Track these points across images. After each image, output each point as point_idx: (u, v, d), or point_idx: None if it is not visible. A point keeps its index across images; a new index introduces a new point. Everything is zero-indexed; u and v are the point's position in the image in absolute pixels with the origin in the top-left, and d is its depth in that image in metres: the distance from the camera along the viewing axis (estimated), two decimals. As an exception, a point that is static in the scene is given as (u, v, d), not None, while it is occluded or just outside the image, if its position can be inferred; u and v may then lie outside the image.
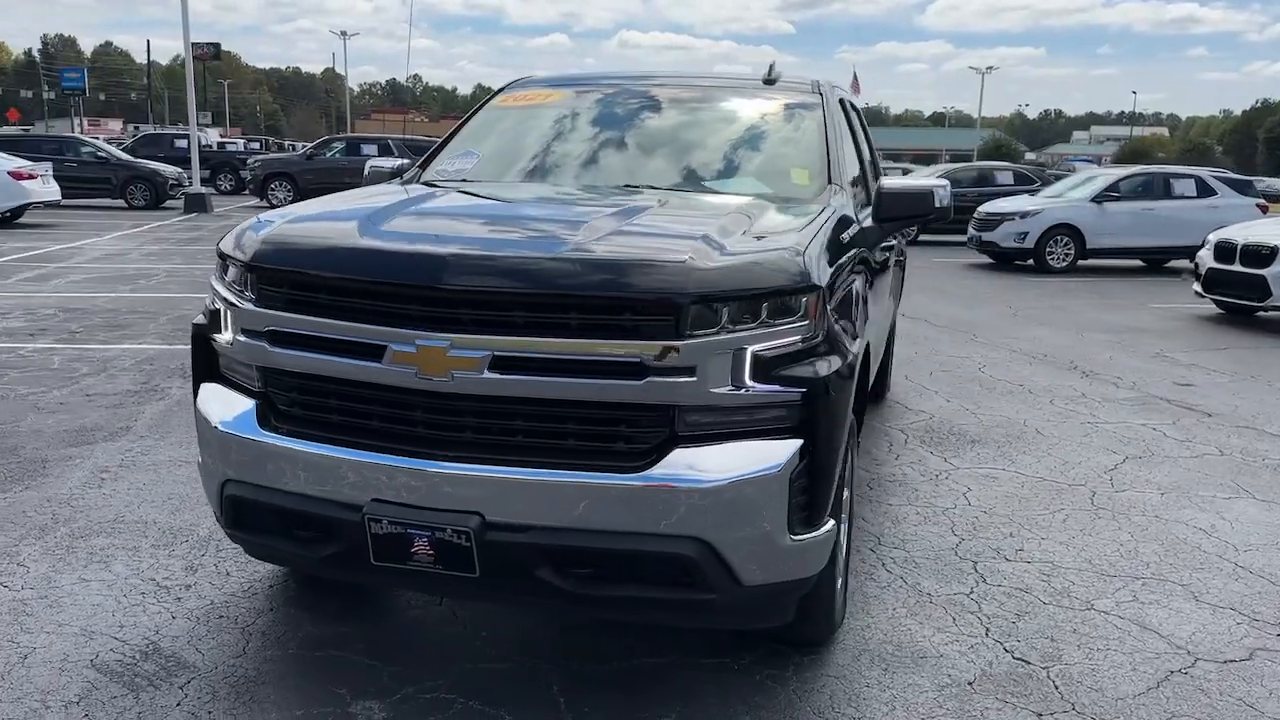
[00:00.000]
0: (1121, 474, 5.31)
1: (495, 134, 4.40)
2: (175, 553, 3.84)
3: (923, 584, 3.82)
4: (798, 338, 2.69)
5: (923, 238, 20.96)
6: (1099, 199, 15.84)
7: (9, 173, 17.16)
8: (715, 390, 2.59)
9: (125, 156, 24.04)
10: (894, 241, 5.40)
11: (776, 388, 2.64)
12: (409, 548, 2.68)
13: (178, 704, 2.81)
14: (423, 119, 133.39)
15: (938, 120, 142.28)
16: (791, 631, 3.16)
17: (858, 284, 3.34)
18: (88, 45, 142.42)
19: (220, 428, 2.93)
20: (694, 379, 2.56)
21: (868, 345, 3.61)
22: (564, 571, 2.67)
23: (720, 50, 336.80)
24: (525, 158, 4.14)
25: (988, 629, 3.47)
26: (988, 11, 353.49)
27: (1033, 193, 18.42)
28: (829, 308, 2.83)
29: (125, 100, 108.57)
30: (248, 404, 2.94)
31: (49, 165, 18.70)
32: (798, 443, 2.67)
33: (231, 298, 2.94)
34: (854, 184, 4.10)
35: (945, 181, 4.02)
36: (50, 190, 17.99)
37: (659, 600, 2.72)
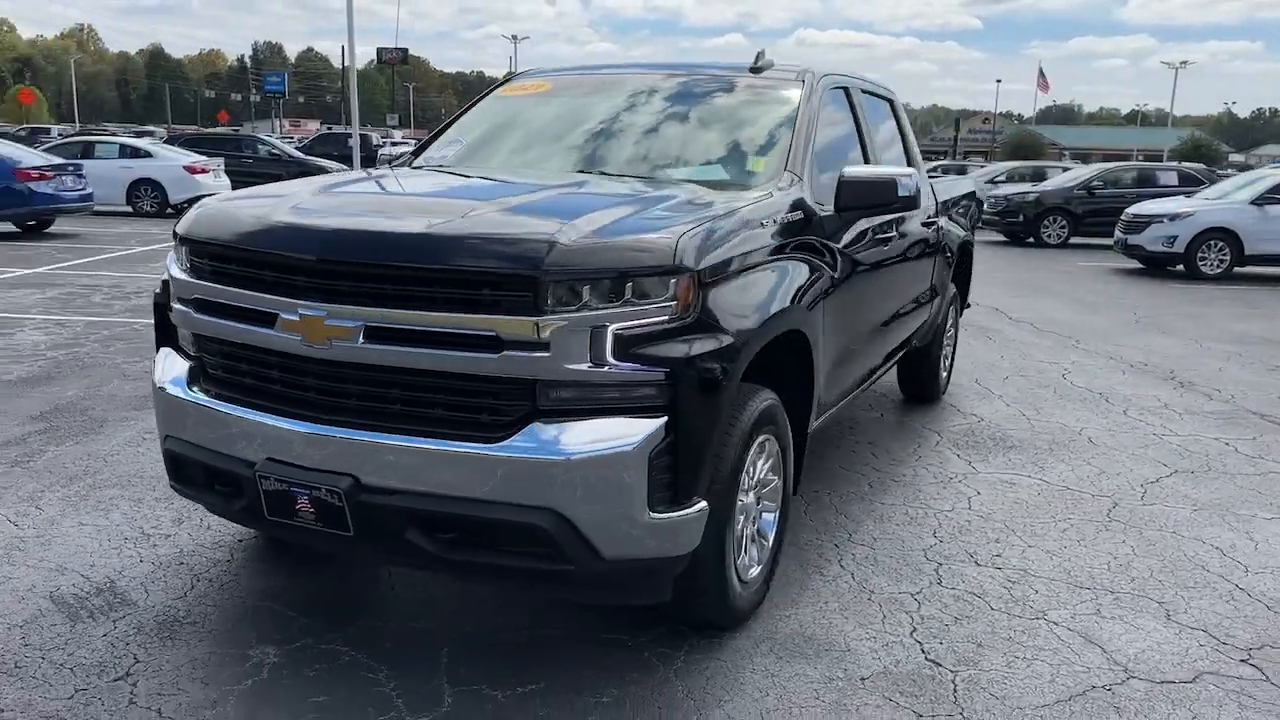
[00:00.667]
0: (1160, 488, 4.98)
1: (485, 122, 4.56)
2: (171, 507, 4.19)
3: (871, 581, 3.74)
4: (664, 319, 2.71)
5: (1074, 240, 19.89)
6: (1260, 201, 14.63)
7: (184, 167, 18.78)
8: (573, 367, 2.65)
9: (297, 154, 25.69)
10: (923, 233, 5.25)
11: (639, 367, 2.67)
12: (294, 505, 2.86)
13: (104, 634, 3.10)
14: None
15: (1131, 119, 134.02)
16: (684, 613, 3.17)
17: (778, 272, 3.28)
18: (292, 51, 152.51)
19: (160, 387, 3.21)
20: (549, 354, 2.63)
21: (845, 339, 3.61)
22: (431, 536, 2.79)
23: (902, 47, 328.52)
24: (500, 144, 4.30)
25: (914, 629, 3.36)
26: (1197, 4, 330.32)
27: (1190, 194, 17.18)
28: (710, 292, 2.84)
29: (322, 102, 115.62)
30: (184, 367, 3.21)
31: (220, 161, 20.25)
32: (660, 421, 2.69)
33: (173, 269, 3.22)
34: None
35: (911, 170, 3.90)
36: (221, 184, 19.48)
37: (521, 569, 2.80)
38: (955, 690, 2.98)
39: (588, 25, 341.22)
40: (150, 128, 64.86)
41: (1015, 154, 53.12)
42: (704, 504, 2.85)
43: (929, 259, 5.54)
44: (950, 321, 6.55)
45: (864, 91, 4.94)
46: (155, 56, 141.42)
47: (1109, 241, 16.74)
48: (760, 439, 3.24)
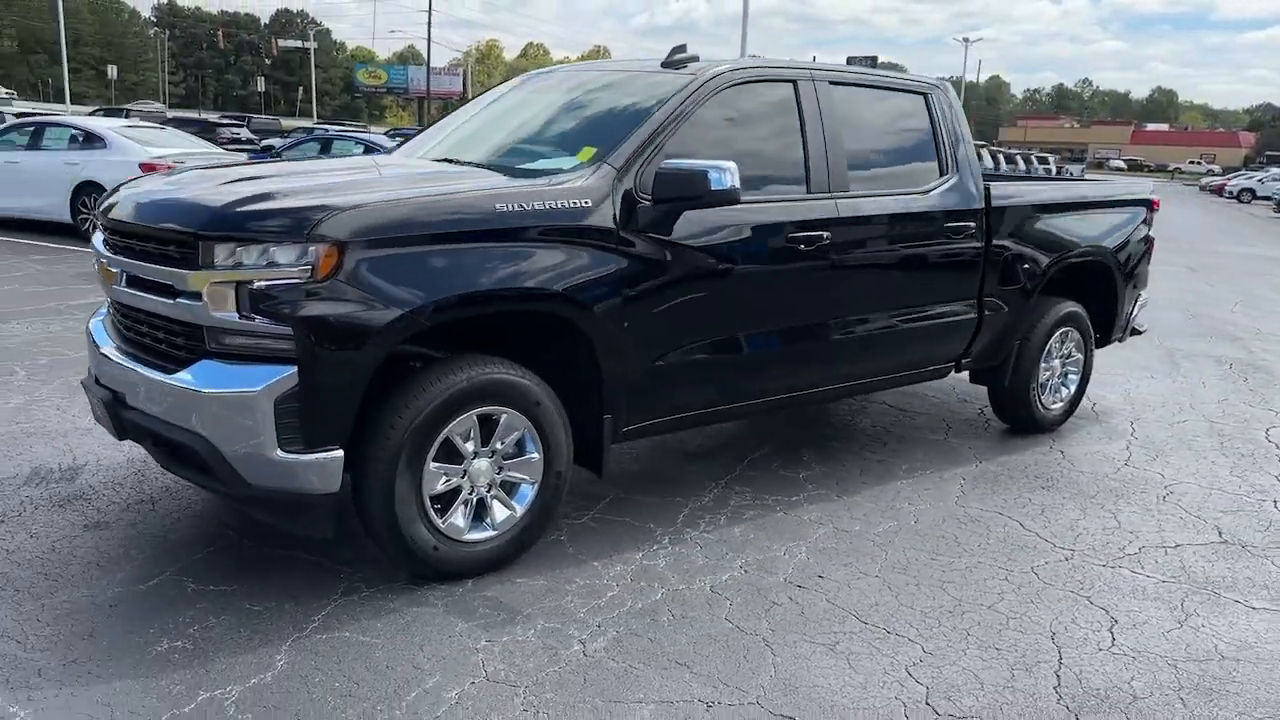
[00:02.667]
0: (1154, 557, 4.17)
1: (452, 115, 5.06)
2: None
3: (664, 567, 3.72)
4: (300, 280, 3.10)
5: None
6: None
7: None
8: (221, 315, 3.15)
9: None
10: (939, 238, 4.86)
11: (273, 321, 3.10)
12: (96, 412, 3.68)
13: (59, 506, 4.13)
14: (1073, 124, 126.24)
15: None
16: (392, 557, 3.47)
17: (508, 254, 3.44)
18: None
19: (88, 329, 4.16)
20: (203, 304, 3.16)
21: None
22: (157, 447, 3.44)
23: None
24: (435, 136, 4.79)
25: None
26: None
27: None
28: (365, 261, 3.16)
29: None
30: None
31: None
32: (289, 370, 3.10)
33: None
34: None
35: (730, 164, 3.74)
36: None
37: (208, 486, 3.35)
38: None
39: (1095, 23, 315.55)
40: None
41: None
42: (339, 452, 3.18)
43: (960, 268, 5.03)
44: (1062, 349, 5.79)
45: (846, 85, 4.68)
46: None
47: None
48: (480, 410, 3.44)
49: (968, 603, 3.62)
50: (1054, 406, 5.87)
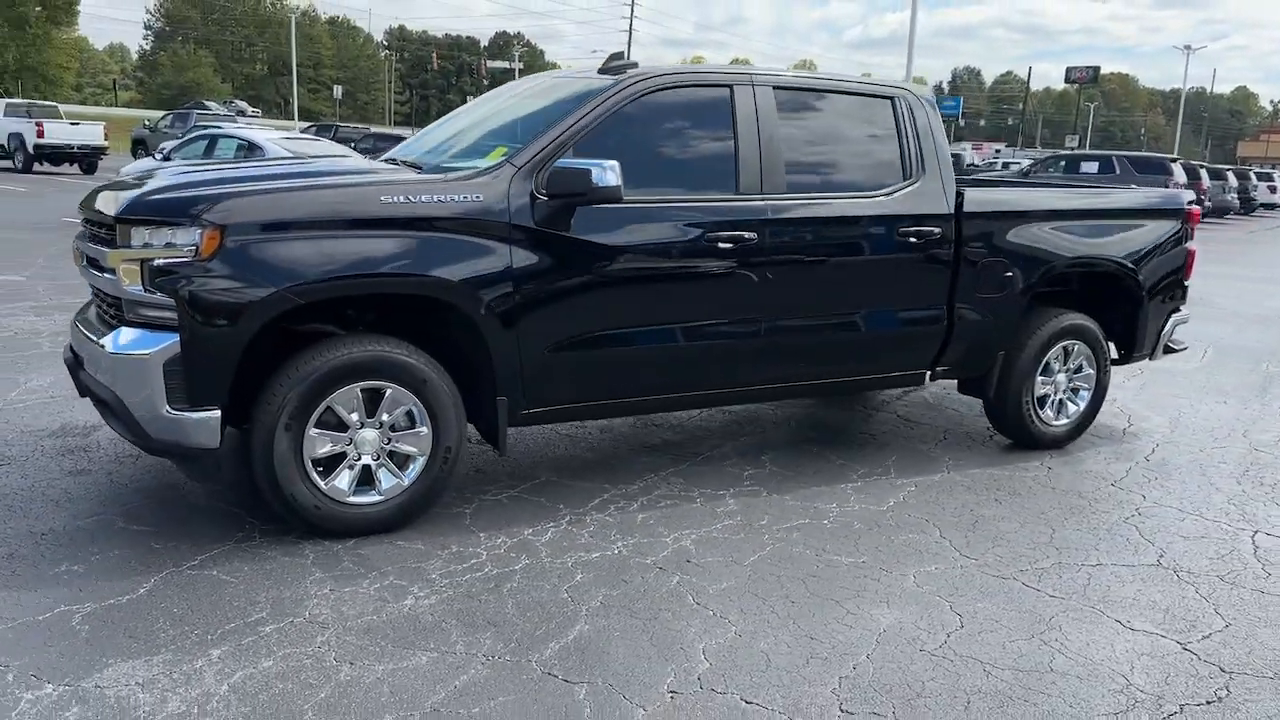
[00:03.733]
0: (1062, 573, 4.02)
1: (434, 123, 5.46)
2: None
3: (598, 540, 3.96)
4: (188, 259, 3.57)
5: None
6: None
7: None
8: (131, 289, 3.66)
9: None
10: (890, 241, 4.84)
11: (163, 295, 3.58)
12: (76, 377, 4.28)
13: (60, 455, 4.83)
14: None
15: None
16: (279, 512, 3.88)
17: (396, 240, 3.79)
18: (990, 74, 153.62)
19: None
20: (117, 278, 3.68)
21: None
22: (96, 404, 4.00)
23: None
24: (411, 142, 5.21)
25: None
26: None
27: None
28: (248, 245, 3.59)
29: (1006, 125, 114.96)
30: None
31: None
32: (174, 338, 3.57)
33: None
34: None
35: (613, 163, 3.92)
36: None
37: (126, 437, 3.87)
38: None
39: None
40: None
41: None
42: (217, 412, 3.61)
43: (922, 272, 4.97)
44: (1066, 363, 5.57)
45: (789, 89, 4.75)
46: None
47: None
48: (364, 384, 3.81)
49: (817, 596, 3.66)
50: (1057, 423, 5.64)
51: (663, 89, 4.46)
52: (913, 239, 4.91)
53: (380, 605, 3.42)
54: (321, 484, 3.83)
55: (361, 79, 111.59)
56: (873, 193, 4.88)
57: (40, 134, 25.50)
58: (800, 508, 4.55)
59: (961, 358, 5.28)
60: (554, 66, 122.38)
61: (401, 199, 3.84)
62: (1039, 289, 5.41)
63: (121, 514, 4.09)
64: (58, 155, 26.01)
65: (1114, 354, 6.00)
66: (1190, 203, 5.97)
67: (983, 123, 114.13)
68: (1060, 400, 5.66)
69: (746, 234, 4.46)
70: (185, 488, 4.38)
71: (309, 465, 3.80)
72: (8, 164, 26.10)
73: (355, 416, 3.86)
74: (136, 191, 3.79)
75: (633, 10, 73.32)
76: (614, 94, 4.32)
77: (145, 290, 3.60)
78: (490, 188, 3.99)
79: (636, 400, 4.57)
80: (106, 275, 3.76)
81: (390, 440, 3.95)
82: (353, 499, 3.91)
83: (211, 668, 2.97)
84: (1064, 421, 5.68)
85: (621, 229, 4.21)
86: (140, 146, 29.78)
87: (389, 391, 3.88)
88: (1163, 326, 5.96)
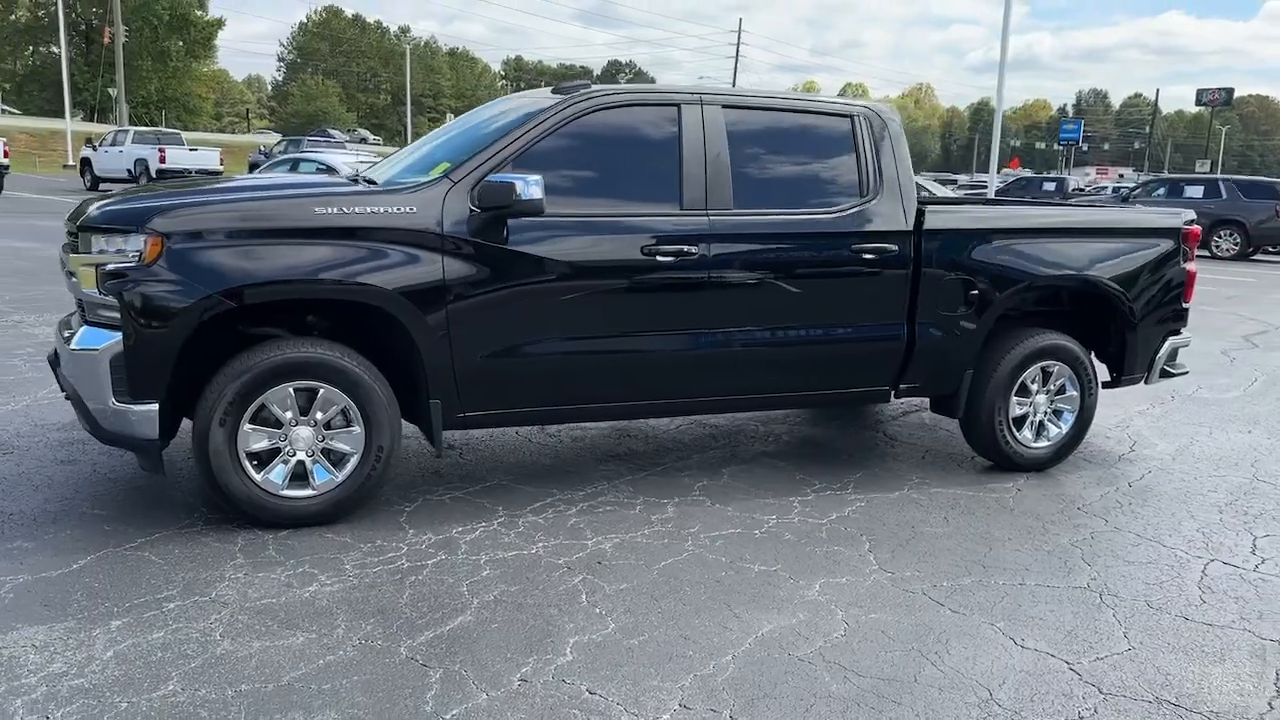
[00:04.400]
0: (972, 590, 3.98)
1: (410, 145, 5.73)
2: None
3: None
4: (134, 264, 3.90)
5: None
6: None
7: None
8: (88, 291, 4.02)
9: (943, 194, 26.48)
10: (842, 256, 4.88)
11: (110, 296, 3.92)
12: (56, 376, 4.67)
13: (60, 446, 5.26)
14: None
15: None
16: (216, 500, 4.16)
17: (332, 248, 4.05)
18: (1118, 97, 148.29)
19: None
20: (78, 281, 4.04)
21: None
22: (67, 398, 4.36)
23: None
24: (387, 161, 5.48)
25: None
26: None
27: None
28: (187, 251, 3.90)
29: (1133, 149, 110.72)
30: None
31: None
32: (118, 335, 3.90)
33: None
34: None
35: (537, 177, 4.09)
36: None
37: (87, 429, 4.21)
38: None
39: None
40: (954, 175, 69.20)
41: None
42: (155, 406, 3.91)
43: (877, 289, 4.98)
44: (1046, 384, 5.47)
45: (741, 108, 4.85)
46: (979, 111, 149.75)
47: None
48: (297, 383, 4.07)
49: (714, 600, 3.72)
50: (1037, 445, 5.53)
51: (607, 108, 4.62)
52: (866, 255, 4.93)
53: (284, 590, 3.64)
54: (255, 476, 4.09)
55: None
56: (826, 209, 4.92)
57: (162, 159, 27.28)
58: (738, 518, 4.60)
59: (926, 376, 5.25)
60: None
61: (335, 210, 4.09)
62: (1009, 307, 5.34)
63: (89, 500, 4.44)
64: (177, 178, 27.79)
65: (1108, 376, 5.86)
66: (1188, 223, 5.79)
67: (1107, 146, 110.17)
68: (1040, 422, 5.55)
69: (687, 248, 4.57)
70: (153, 480, 4.71)
71: (243, 458, 4.06)
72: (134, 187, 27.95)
73: (289, 414, 4.11)
74: (102, 203, 4.15)
75: (739, 38, 73.42)
76: (555, 113, 4.51)
77: (101, 293, 3.93)
78: (425, 201, 4.22)
79: (575, 408, 4.71)
80: (72, 280, 4.12)
81: (324, 438, 4.19)
82: (286, 492, 4.16)
83: (106, 636, 3.23)
84: (1044, 444, 5.56)
85: (556, 241, 4.38)
86: (255, 170, 31.50)
87: (322, 391, 4.12)
88: (1157, 350, 5.78)
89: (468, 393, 4.37)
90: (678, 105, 4.74)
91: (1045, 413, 5.55)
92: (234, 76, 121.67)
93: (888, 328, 5.06)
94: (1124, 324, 5.61)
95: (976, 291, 5.19)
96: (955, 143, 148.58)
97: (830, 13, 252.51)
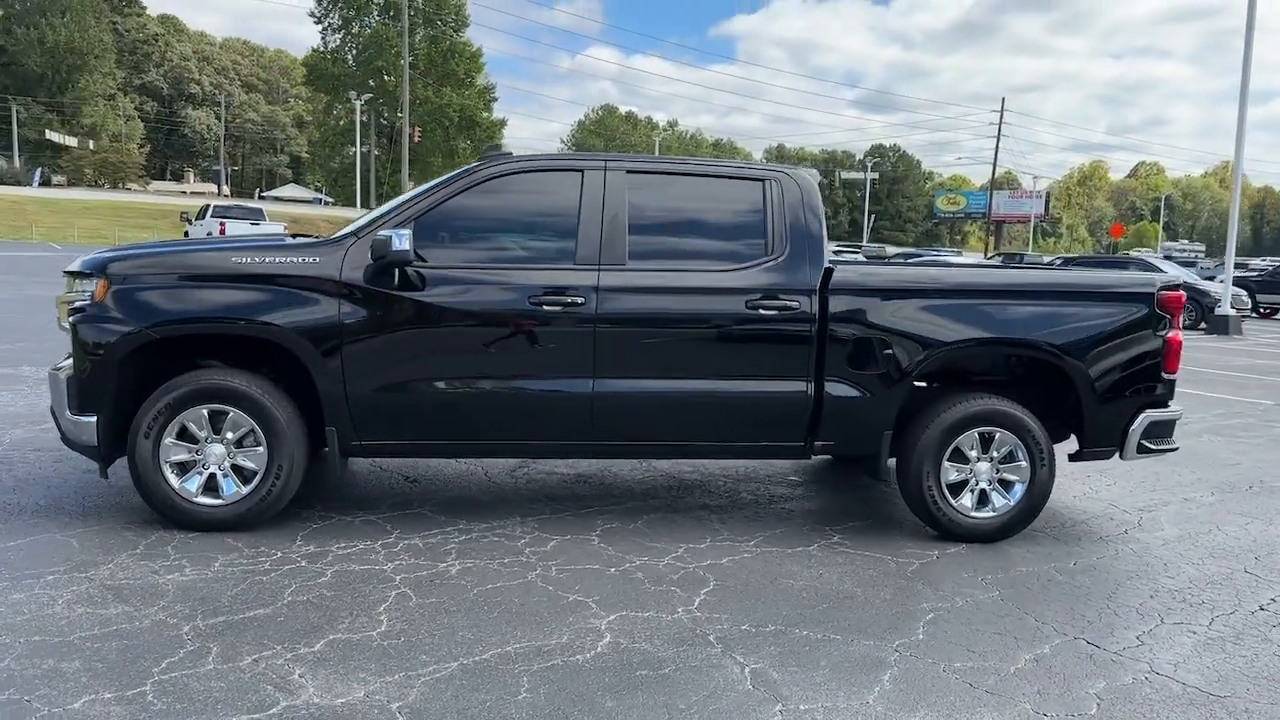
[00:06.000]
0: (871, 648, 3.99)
1: None
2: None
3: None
4: (86, 302, 4.81)
5: None
6: None
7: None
8: (63, 324, 4.97)
9: (1176, 272, 24.37)
10: (738, 313, 5.03)
11: (69, 328, 4.84)
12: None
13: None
14: None
15: None
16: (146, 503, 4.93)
17: (244, 291, 4.76)
18: None
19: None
20: (59, 315, 5.02)
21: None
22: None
23: None
24: None
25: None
26: None
27: None
28: (126, 292, 4.75)
29: None
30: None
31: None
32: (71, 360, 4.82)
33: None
34: (443, 241, 4.93)
35: (406, 232, 4.61)
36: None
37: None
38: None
39: None
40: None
41: None
42: (94, 418, 4.75)
43: (777, 346, 5.08)
44: (988, 451, 5.27)
45: (646, 172, 5.18)
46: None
47: None
48: (209, 406, 4.79)
49: (469, 616, 3.99)
50: (979, 515, 5.29)
51: (515, 172, 5.11)
52: (765, 311, 5.05)
53: (146, 575, 4.28)
54: (175, 484, 4.82)
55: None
56: (726, 267, 5.11)
57: (222, 231, 30.84)
58: (608, 557, 4.79)
59: (840, 435, 5.22)
60: (929, 176, 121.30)
61: (249, 260, 4.83)
62: (931, 369, 5.23)
63: (76, 495, 5.36)
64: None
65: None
66: (1165, 288, 5.39)
67: None
68: (982, 490, 5.32)
69: (573, 299, 4.92)
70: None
71: (165, 467, 4.80)
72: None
73: (204, 433, 4.82)
74: (88, 255, 5.11)
75: (1001, 118, 71.17)
76: (464, 177, 5.06)
77: (67, 325, 4.86)
78: (329, 253, 4.87)
79: (464, 443, 5.13)
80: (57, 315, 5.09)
81: (233, 455, 4.86)
82: (200, 499, 4.85)
83: (-20, 594, 4.00)
84: (988, 514, 5.31)
85: (444, 288, 4.88)
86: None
87: (231, 414, 4.81)
88: (1128, 423, 5.38)
89: (361, 423, 4.91)
90: (581, 170, 5.14)
91: (989, 481, 5.32)
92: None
93: (791, 384, 5.12)
94: (1078, 393, 5.30)
95: (890, 351, 5.13)
96: (1267, 223, 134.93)
97: (1129, 90, 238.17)
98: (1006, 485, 5.34)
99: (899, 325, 5.14)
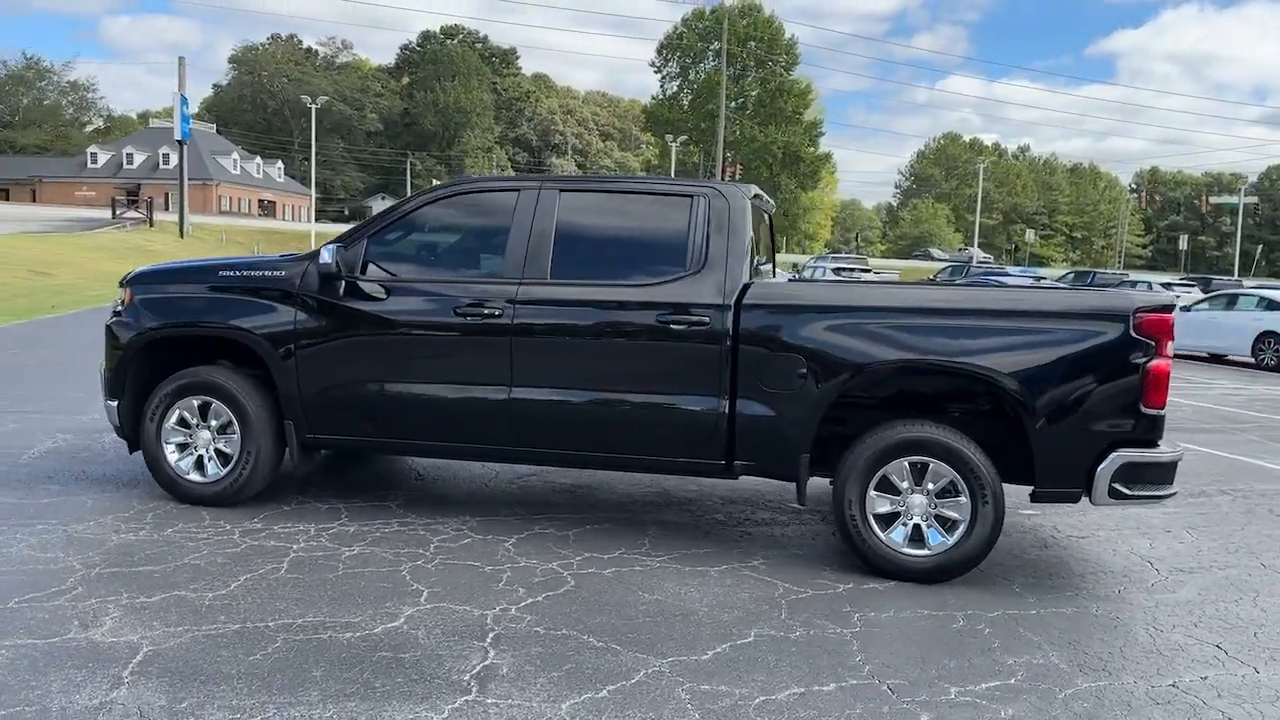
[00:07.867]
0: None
1: None
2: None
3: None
4: (119, 307, 5.84)
5: None
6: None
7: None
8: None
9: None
10: (653, 326, 5.09)
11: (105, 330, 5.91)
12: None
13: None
14: None
15: None
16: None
17: (215, 300, 5.56)
18: None
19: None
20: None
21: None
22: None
23: None
24: None
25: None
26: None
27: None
28: (139, 298, 5.73)
29: None
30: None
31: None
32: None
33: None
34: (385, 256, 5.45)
35: (332, 247, 5.11)
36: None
37: (124, 420, 6.22)
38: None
39: None
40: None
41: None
42: (116, 402, 5.74)
43: (687, 361, 5.03)
44: (923, 483, 4.86)
45: (577, 190, 5.38)
46: None
47: None
48: (199, 398, 5.63)
49: (326, 591, 4.39)
50: (912, 553, 4.87)
51: (461, 193, 5.53)
52: (675, 326, 5.04)
53: (109, 533, 5.12)
54: (174, 462, 5.69)
55: (1099, 225, 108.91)
56: (641, 282, 5.16)
57: None
58: (468, 558, 4.99)
59: (756, 455, 5.06)
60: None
61: (232, 274, 5.62)
62: (854, 390, 4.93)
63: (112, 467, 6.40)
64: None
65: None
66: (1144, 309, 4.67)
67: None
68: (916, 526, 4.90)
69: (491, 310, 5.22)
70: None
71: (166, 448, 5.69)
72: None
73: (195, 420, 5.66)
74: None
75: None
76: (417, 198, 5.56)
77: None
78: (293, 267, 5.54)
79: (401, 442, 5.55)
80: (119, 319, 6.18)
81: (215, 440, 5.65)
82: (192, 477, 5.68)
83: (-22, 532, 5.02)
84: (923, 553, 4.87)
85: (378, 300, 5.37)
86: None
87: (213, 404, 5.61)
88: (1094, 462, 4.72)
89: (312, 418, 5.51)
90: (517, 190, 5.44)
91: (925, 517, 4.89)
92: (864, 204, 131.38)
93: (703, 399, 5.05)
94: (1022, 423, 4.75)
95: (804, 371, 4.91)
96: None
97: None
98: (948, 523, 4.88)
99: (812, 344, 4.91)
